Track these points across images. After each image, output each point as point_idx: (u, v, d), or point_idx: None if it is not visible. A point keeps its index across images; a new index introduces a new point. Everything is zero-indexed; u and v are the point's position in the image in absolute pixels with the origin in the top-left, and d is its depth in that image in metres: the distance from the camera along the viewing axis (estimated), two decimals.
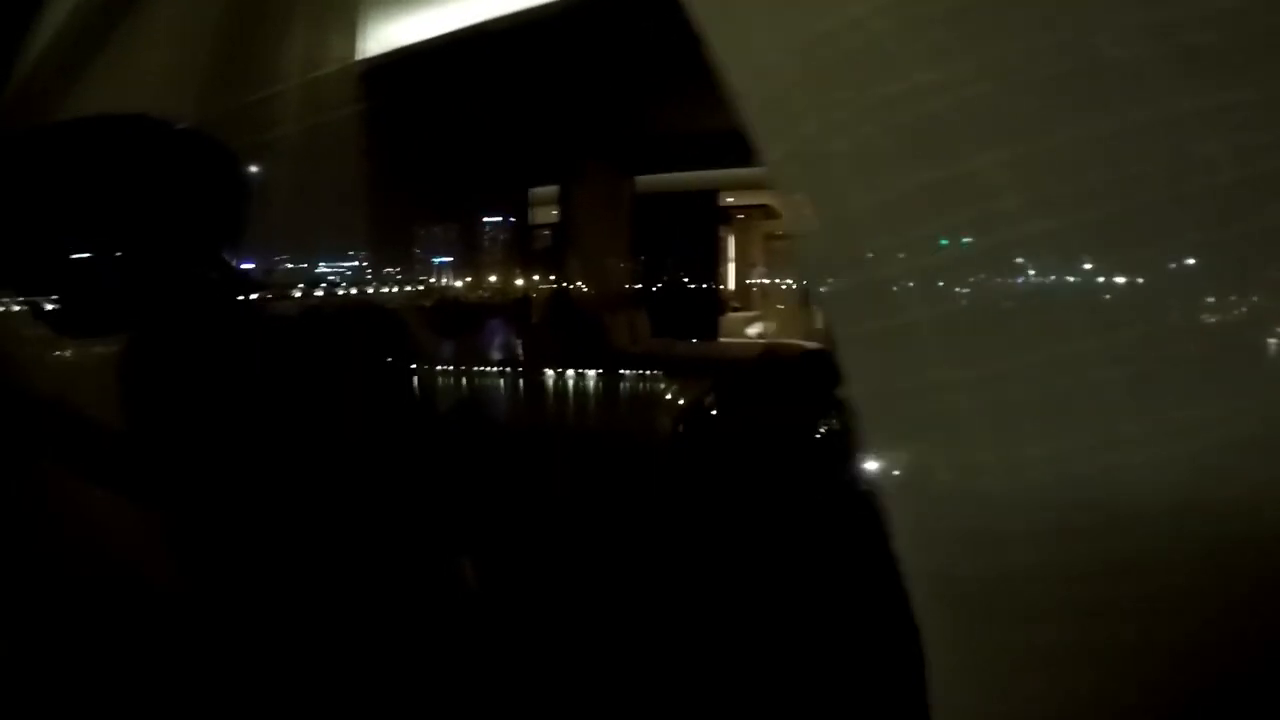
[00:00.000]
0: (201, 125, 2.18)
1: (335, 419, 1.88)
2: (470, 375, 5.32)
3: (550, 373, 5.51)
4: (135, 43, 2.43)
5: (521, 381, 5.59)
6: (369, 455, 1.84)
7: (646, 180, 7.99)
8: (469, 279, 8.08)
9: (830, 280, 0.91)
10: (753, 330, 8.72)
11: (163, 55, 2.47)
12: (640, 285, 8.46)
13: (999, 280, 0.89)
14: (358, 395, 1.91)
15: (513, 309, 7.51)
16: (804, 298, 8.66)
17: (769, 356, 6.14)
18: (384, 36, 3.89)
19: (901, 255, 0.89)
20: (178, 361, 1.71)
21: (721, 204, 8.95)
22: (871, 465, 0.88)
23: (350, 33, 2.86)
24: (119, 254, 1.83)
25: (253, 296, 2.25)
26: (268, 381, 1.71)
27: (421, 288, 7.40)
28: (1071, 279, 0.82)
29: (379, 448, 1.89)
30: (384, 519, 1.86)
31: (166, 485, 1.61)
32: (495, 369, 5.66)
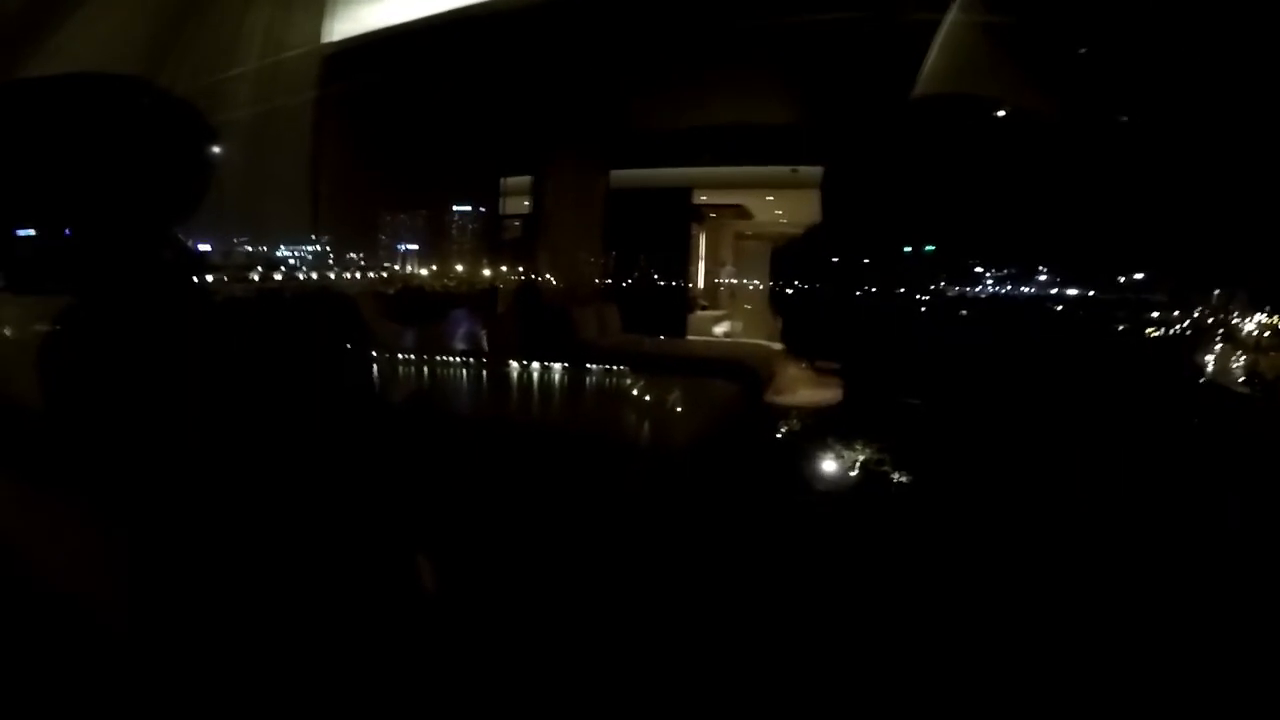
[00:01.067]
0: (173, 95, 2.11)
1: (285, 406, 1.83)
2: (433, 365, 5.25)
3: (517, 364, 5.47)
4: (98, 10, 2.35)
5: (486, 372, 5.54)
6: (318, 444, 1.80)
7: (621, 175, 7.96)
8: (435, 267, 7.97)
9: None
10: (720, 329, 8.74)
11: (126, 24, 2.39)
12: (611, 280, 8.43)
13: None
14: (310, 383, 1.86)
15: (480, 299, 7.43)
16: (768, 298, 8.71)
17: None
18: (359, 20, 3.81)
19: None
20: (110, 343, 1.64)
21: (695, 202, 8.94)
22: None
23: (320, 14, 2.79)
24: (72, 215, 1.78)
25: (205, 278, 2.18)
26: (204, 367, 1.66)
27: (385, 275, 7.28)
28: None
29: (329, 436, 1.85)
30: (330, 508, 1.81)
31: (93, 470, 1.55)
32: (459, 359, 5.60)
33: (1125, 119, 4.02)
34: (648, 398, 4.82)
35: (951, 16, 3.38)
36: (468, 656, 1.97)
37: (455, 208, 8.25)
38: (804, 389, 5.75)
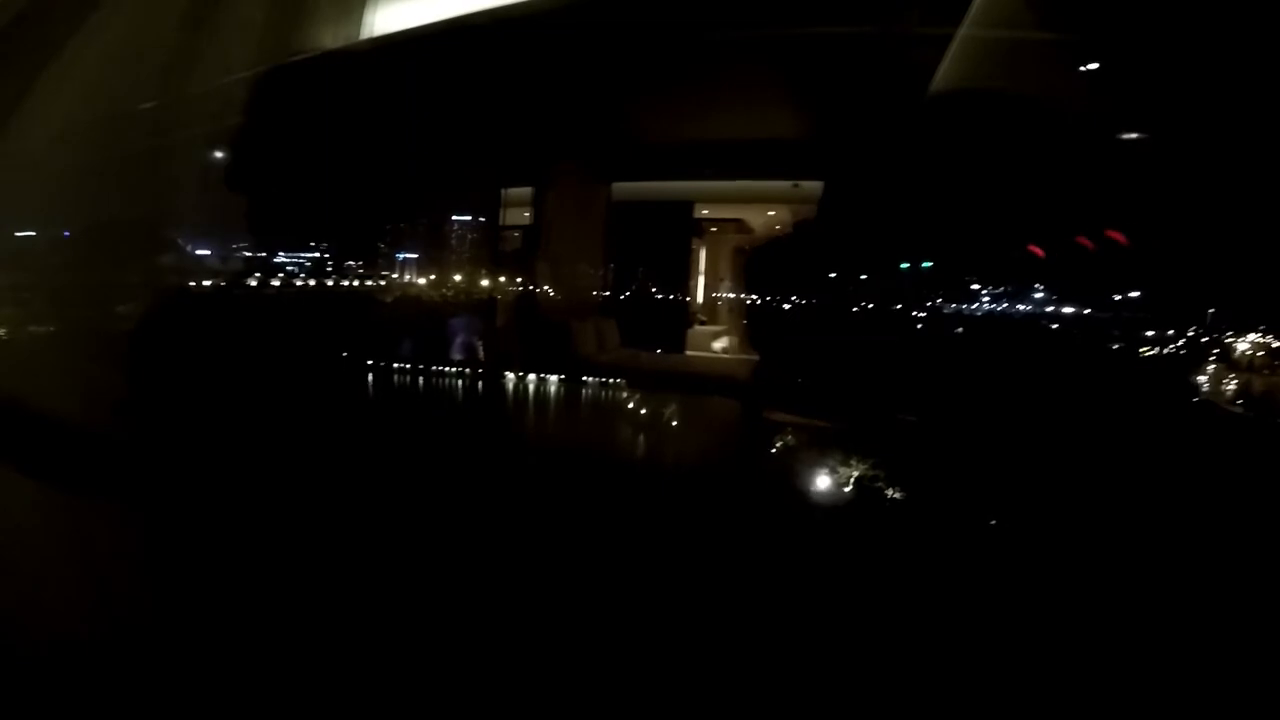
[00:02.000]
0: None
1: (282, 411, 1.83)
2: (429, 375, 5.25)
3: (513, 377, 5.46)
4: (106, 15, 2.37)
5: (482, 384, 5.54)
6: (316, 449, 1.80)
7: (622, 187, 7.95)
8: (434, 277, 7.97)
9: None
10: (718, 345, 8.72)
11: (130, 30, 2.41)
12: (610, 293, 8.43)
13: None
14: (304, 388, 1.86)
15: (479, 310, 7.41)
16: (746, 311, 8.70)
17: None
18: (365, 26, 3.82)
19: None
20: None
21: (695, 216, 8.92)
22: None
23: (323, 20, 2.80)
24: None
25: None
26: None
27: (383, 283, 7.27)
28: None
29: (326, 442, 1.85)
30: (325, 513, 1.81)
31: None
32: (455, 370, 5.59)
33: (1126, 138, 4.05)
34: (644, 412, 4.82)
35: (962, 31, 3.39)
36: (465, 668, 1.97)
37: (455, 217, 8.25)
38: (800, 405, 5.74)
